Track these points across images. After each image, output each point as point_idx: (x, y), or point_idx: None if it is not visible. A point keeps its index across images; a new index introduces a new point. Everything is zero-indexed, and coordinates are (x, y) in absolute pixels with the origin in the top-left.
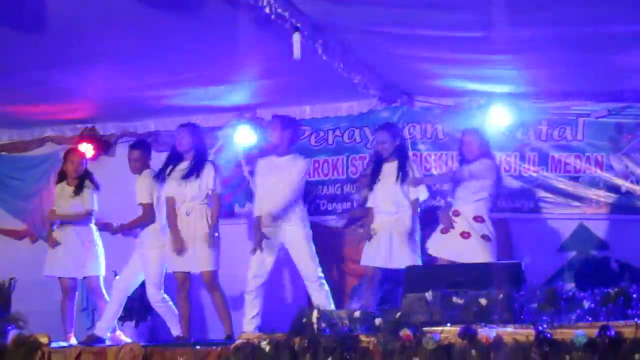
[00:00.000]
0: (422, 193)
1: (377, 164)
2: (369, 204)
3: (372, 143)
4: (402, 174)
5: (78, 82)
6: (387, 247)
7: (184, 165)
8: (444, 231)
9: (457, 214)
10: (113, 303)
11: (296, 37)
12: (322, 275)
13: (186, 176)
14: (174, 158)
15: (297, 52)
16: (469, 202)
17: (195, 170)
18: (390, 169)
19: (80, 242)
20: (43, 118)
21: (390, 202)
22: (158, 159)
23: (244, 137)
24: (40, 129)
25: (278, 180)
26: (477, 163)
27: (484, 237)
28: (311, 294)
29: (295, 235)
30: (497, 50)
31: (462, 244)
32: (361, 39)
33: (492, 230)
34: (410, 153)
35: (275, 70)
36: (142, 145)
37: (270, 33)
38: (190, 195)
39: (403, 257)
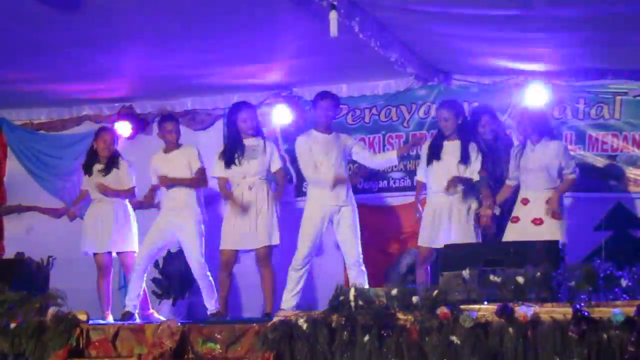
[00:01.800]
0: (475, 174)
1: (437, 140)
2: (421, 179)
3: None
4: (464, 154)
5: (116, 61)
6: (446, 228)
7: (248, 142)
8: (515, 220)
9: (526, 202)
10: (136, 277)
11: (333, 15)
12: (361, 256)
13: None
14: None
15: (333, 30)
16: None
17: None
18: (451, 147)
19: (115, 218)
20: (81, 97)
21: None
22: (195, 137)
23: (281, 115)
24: (78, 107)
25: (330, 157)
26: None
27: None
28: (350, 274)
29: (347, 216)
30: (534, 29)
31: (537, 232)
32: (398, 16)
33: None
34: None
35: (312, 49)
36: (173, 117)
37: (307, 11)
38: (253, 171)
39: (463, 238)
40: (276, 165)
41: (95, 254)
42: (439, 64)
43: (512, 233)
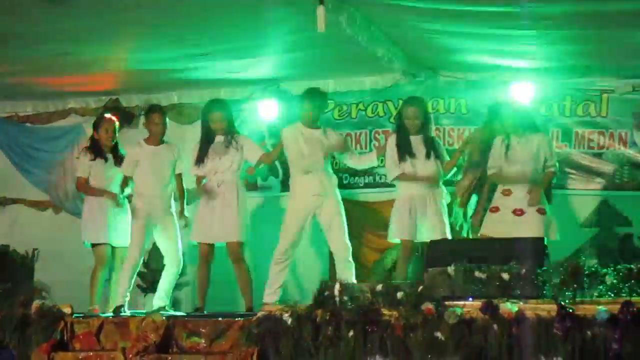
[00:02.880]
0: (446, 168)
1: (404, 136)
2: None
3: (395, 116)
4: (433, 149)
5: (102, 54)
6: (425, 221)
7: (219, 139)
8: (494, 210)
9: (508, 193)
10: (132, 271)
11: (320, 10)
12: (350, 249)
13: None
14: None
15: (321, 25)
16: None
17: (230, 143)
18: (418, 143)
19: (114, 212)
20: (67, 90)
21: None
22: (183, 131)
23: (267, 110)
24: (63, 100)
25: (316, 152)
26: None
27: (540, 211)
28: (337, 266)
29: (331, 206)
30: (521, 26)
31: (517, 222)
32: (385, 12)
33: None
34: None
35: (299, 44)
36: (161, 109)
37: (295, 6)
38: (222, 168)
39: (435, 231)
40: (255, 155)
41: (95, 246)
42: (426, 60)
43: (492, 222)
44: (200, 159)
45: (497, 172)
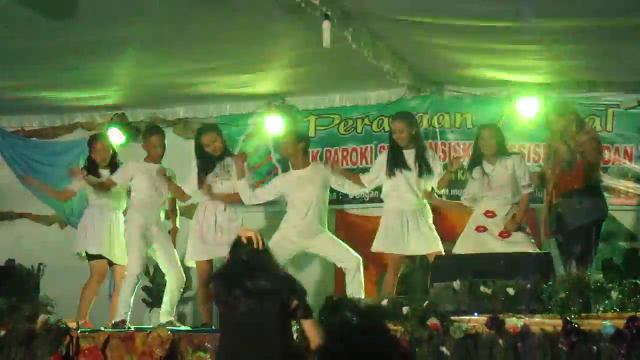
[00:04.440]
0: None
1: (396, 151)
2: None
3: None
4: (424, 163)
5: (108, 69)
6: (413, 236)
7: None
8: (482, 230)
9: (492, 215)
10: (133, 287)
11: (326, 25)
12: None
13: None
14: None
15: (326, 40)
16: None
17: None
18: (410, 157)
19: (115, 228)
20: (73, 104)
21: (410, 190)
22: (188, 145)
23: (273, 125)
24: (70, 115)
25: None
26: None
27: (523, 230)
28: (347, 278)
29: (323, 243)
30: (526, 41)
31: (506, 243)
32: (391, 27)
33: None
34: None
35: (305, 59)
36: (160, 131)
37: (300, 21)
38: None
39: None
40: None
41: (94, 259)
42: (431, 75)
43: (482, 241)
44: (201, 184)
45: (471, 202)
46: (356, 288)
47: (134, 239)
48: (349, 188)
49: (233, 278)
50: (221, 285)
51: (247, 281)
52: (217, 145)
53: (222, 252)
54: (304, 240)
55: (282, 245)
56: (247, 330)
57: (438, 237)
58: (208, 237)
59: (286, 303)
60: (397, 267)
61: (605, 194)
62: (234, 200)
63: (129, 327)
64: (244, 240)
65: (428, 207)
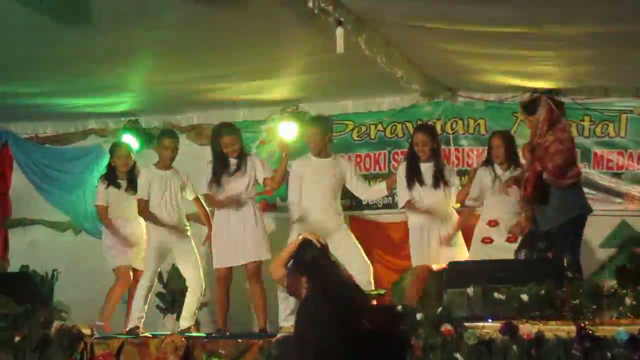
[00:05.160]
0: (454, 197)
1: (414, 163)
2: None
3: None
4: (441, 176)
5: (122, 75)
6: (437, 248)
7: (232, 162)
8: (488, 241)
9: (495, 224)
10: (146, 293)
11: (339, 32)
12: (371, 268)
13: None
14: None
15: (340, 46)
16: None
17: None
18: (428, 170)
19: (138, 235)
20: (87, 111)
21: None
22: (201, 152)
23: (286, 131)
24: (83, 121)
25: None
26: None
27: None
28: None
29: (341, 240)
30: (539, 47)
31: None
32: (404, 33)
33: None
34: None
35: (318, 65)
36: (174, 134)
37: (314, 27)
38: (239, 190)
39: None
40: (264, 174)
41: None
42: (445, 81)
43: (489, 251)
44: (217, 183)
45: (473, 205)
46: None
47: (150, 253)
48: (361, 191)
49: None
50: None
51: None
52: (236, 148)
53: (250, 257)
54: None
55: None
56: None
57: (464, 245)
58: (228, 242)
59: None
60: (425, 278)
61: (619, 200)
62: (241, 202)
63: (140, 333)
64: (316, 243)
65: (454, 217)
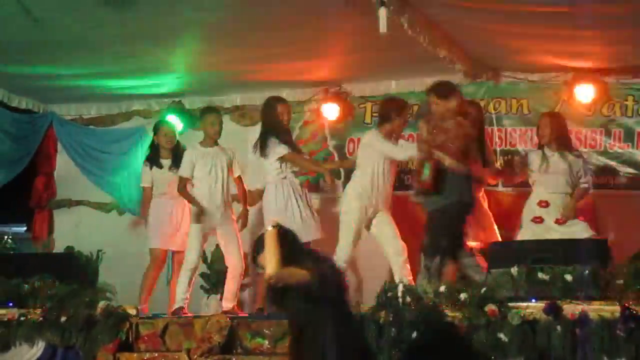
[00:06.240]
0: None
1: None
2: None
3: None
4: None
5: (165, 56)
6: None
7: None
8: (538, 220)
9: (545, 205)
10: (190, 274)
11: (382, 12)
12: (405, 249)
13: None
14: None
15: (383, 27)
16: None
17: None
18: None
19: (178, 216)
20: (130, 92)
21: None
22: (244, 132)
23: (329, 111)
24: (127, 102)
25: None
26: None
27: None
28: (394, 269)
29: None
30: (583, 26)
31: (563, 230)
32: (447, 13)
33: None
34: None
35: (361, 45)
36: (217, 110)
37: (357, 7)
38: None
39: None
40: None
41: (154, 249)
42: (488, 61)
43: (539, 231)
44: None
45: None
46: (405, 274)
47: (194, 236)
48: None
49: None
50: None
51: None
52: (289, 118)
53: (309, 235)
54: (372, 212)
55: (361, 216)
56: None
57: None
58: (298, 216)
59: None
60: None
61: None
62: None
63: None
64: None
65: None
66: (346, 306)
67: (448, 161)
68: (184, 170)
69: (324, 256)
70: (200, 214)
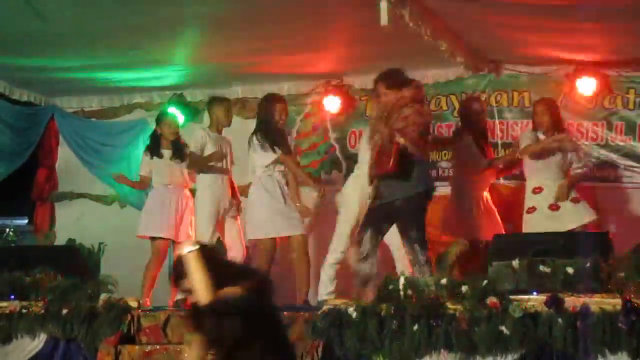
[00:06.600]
0: None
1: None
2: None
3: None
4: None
5: (167, 49)
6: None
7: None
8: (531, 211)
9: (539, 190)
10: None
11: (383, 4)
12: None
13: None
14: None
15: (384, 19)
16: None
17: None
18: None
19: (181, 206)
20: (132, 85)
21: None
22: (245, 124)
23: (331, 104)
24: (129, 95)
25: None
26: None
27: (574, 200)
28: (396, 260)
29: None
30: (584, 18)
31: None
32: (448, 5)
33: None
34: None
35: (362, 38)
36: (227, 99)
37: (358, 0)
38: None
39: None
40: None
41: (155, 239)
42: (489, 53)
43: (532, 222)
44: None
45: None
46: (405, 265)
47: (203, 226)
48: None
49: None
50: None
51: None
52: (285, 117)
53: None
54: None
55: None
56: None
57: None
58: (282, 211)
59: None
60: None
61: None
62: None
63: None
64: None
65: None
66: (282, 329)
67: (410, 147)
68: (195, 147)
69: (252, 269)
70: (207, 201)
